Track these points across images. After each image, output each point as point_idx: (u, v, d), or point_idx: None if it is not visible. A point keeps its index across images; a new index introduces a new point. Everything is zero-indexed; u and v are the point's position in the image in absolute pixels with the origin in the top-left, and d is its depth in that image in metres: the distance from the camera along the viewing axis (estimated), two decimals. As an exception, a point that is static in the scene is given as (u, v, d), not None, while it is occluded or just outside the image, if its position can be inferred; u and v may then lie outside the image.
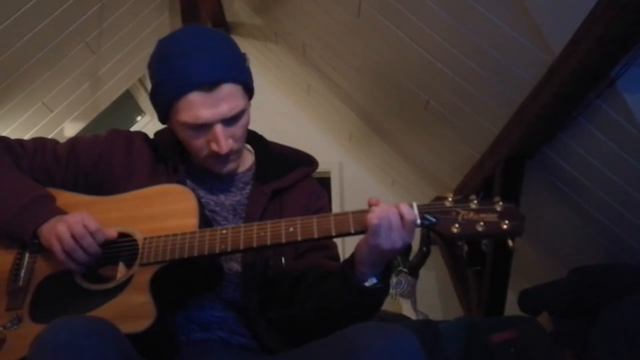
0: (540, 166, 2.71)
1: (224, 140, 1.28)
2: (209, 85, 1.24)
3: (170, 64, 1.27)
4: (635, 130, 2.12)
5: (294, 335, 1.33)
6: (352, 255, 1.21)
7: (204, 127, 1.27)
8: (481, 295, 3.12)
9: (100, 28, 3.21)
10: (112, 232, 1.24)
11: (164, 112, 1.32)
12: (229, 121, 1.28)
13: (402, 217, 1.14)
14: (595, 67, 1.98)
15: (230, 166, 1.35)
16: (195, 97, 1.25)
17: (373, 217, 1.13)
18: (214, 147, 1.28)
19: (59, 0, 2.78)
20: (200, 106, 1.25)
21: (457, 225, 1.14)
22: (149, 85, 4.73)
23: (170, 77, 1.26)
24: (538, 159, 2.68)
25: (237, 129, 1.31)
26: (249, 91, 1.34)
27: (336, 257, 1.38)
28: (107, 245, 1.23)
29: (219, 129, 1.27)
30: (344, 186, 4.50)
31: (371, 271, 1.18)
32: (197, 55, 1.26)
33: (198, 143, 1.30)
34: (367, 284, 1.18)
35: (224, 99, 1.26)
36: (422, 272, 3.77)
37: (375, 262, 1.18)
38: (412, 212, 1.14)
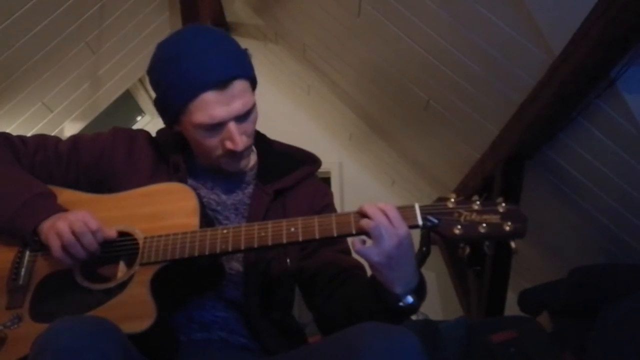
0: (540, 166, 2.71)
1: (238, 137, 1.28)
2: (223, 83, 1.24)
3: (179, 67, 1.25)
4: (635, 130, 2.12)
5: (296, 336, 1.33)
6: (377, 281, 1.17)
7: (218, 127, 1.27)
8: (481, 295, 3.12)
9: (100, 28, 3.21)
10: (112, 232, 1.23)
11: (175, 116, 1.30)
12: (242, 118, 1.29)
13: (386, 216, 1.13)
14: (595, 67, 1.98)
15: (243, 163, 1.35)
16: (209, 96, 1.24)
17: (371, 224, 1.12)
18: (229, 145, 1.28)
19: (59, 0, 2.78)
20: (215, 105, 1.24)
21: (459, 227, 1.13)
22: (149, 86, 4.72)
23: (182, 80, 1.25)
24: (538, 159, 2.68)
25: (249, 125, 1.31)
26: (255, 85, 1.35)
27: (347, 250, 1.37)
28: (108, 244, 1.23)
29: (233, 126, 1.27)
30: (344, 186, 4.50)
31: (404, 289, 1.16)
32: (207, 54, 1.25)
33: (212, 143, 1.29)
34: (401, 304, 1.17)
35: (236, 96, 1.26)
36: (422, 272, 3.76)
37: (399, 275, 1.15)
38: (392, 208, 1.14)
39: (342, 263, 1.32)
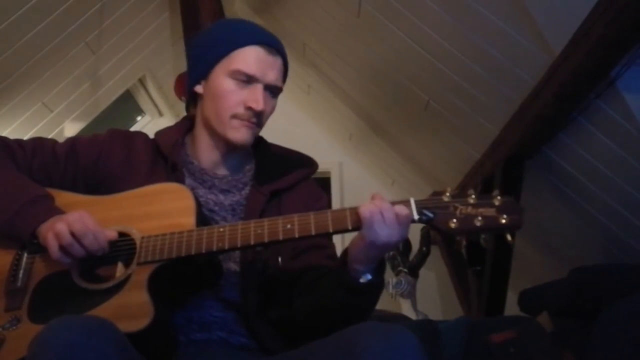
0: (540, 166, 2.71)
1: (262, 100, 1.34)
2: (272, 47, 1.36)
3: (235, 25, 1.42)
4: (635, 130, 2.12)
5: (294, 335, 1.33)
6: (345, 254, 1.21)
7: (248, 83, 1.34)
8: (481, 295, 3.12)
9: (100, 28, 3.21)
10: (112, 233, 1.23)
11: (212, 63, 1.37)
12: (270, 90, 1.37)
13: (396, 212, 1.14)
14: (595, 67, 1.98)
15: (249, 135, 1.37)
16: (257, 50, 1.35)
17: (365, 210, 1.14)
18: (251, 103, 1.33)
19: (59, 0, 2.78)
20: (258, 60, 1.34)
21: (455, 220, 1.13)
22: (149, 86, 4.72)
23: (238, 30, 1.38)
24: (538, 159, 2.68)
25: (268, 105, 1.38)
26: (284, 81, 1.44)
27: (334, 256, 1.37)
28: (109, 242, 1.23)
29: (261, 89, 1.34)
30: (344, 186, 4.50)
31: (365, 268, 1.18)
32: (257, 25, 1.42)
33: (235, 98, 1.34)
34: (361, 280, 1.18)
35: (275, 68, 1.37)
36: (422, 272, 3.77)
37: (370, 258, 1.18)
38: (404, 208, 1.14)
39: (325, 268, 1.32)
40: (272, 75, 1.35)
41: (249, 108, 1.33)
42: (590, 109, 2.22)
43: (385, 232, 1.13)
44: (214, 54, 1.37)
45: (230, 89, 1.34)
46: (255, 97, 1.33)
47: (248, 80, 1.34)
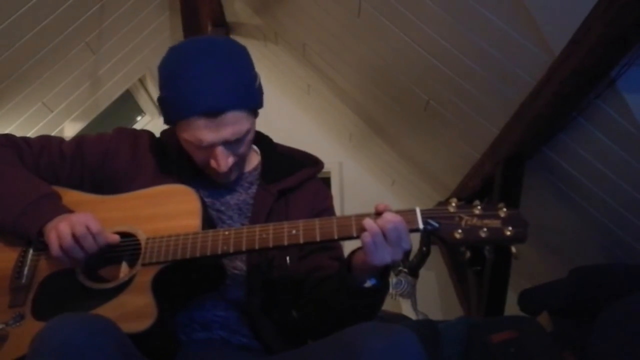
0: (540, 166, 2.71)
1: (224, 161, 1.28)
2: (213, 113, 1.24)
3: (178, 84, 1.25)
4: (635, 130, 2.12)
5: (297, 335, 1.33)
6: (349, 260, 1.21)
7: (206, 147, 1.28)
8: (481, 295, 3.12)
9: (100, 28, 3.21)
10: (114, 237, 1.24)
11: (170, 123, 1.33)
12: (231, 143, 1.29)
13: (399, 229, 1.12)
14: (595, 67, 1.98)
15: (230, 176, 1.36)
16: (198, 121, 1.25)
17: (366, 237, 1.12)
18: (213, 164, 1.29)
19: (59, 0, 2.78)
20: (203, 130, 1.25)
21: (460, 231, 1.13)
22: (149, 86, 4.72)
23: (176, 98, 1.25)
24: (538, 159, 2.68)
25: (240, 147, 1.31)
26: (255, 111, 1.33)
27: (340, 257, 1.38)
28: (110, 245, 1.23)
29: (219, 150, 1.28)
30: (344, 186, 4.50)
31: (370, 275, 1.19)
32: (204, 80, 1.23)
33: (199, 156, 1.32)
34: (366, 285, 1.19)
35: (227, 124, 1.25)
36: (422, 272, 3.76)
37: (374, 271, 1.18)
38: (403, 225, 1.13)
39: (331, 270, 1.33)
40: (226, 134, 1.25)
41: (214, 168, 1.30)
42: (590, 109, 2.22)
43: (388, 252, 1.12)
44: (165, 115, 1.31)
45: (191, 150, 1.31)
46: (215, 159, 1.28)
47: (204, 147, 1.28)
